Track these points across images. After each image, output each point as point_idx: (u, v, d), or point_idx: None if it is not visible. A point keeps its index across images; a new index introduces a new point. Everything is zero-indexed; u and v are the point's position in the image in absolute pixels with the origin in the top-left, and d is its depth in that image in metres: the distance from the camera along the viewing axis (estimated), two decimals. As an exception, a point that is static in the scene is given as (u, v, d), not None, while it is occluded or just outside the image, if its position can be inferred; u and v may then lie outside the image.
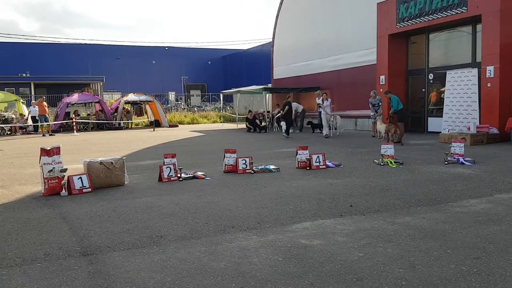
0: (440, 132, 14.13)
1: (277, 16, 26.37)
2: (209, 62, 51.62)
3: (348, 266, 3.49)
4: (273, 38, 26.94)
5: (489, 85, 13.06)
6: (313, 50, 22.83)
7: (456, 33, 15.50)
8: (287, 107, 16.53)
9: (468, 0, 13.49)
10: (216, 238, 4.32)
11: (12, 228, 4.81)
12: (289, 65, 25.27)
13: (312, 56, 22.95)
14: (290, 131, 19.07)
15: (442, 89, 15.51)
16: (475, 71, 13.71)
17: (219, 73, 51.42)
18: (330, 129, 16.21)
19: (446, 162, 8.76)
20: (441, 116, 14.92)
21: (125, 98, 26.08)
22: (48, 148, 6.61)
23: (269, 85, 26.73)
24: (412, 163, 8.94)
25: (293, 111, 21.30)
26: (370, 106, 15.64)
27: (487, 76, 13.09)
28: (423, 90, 16.75)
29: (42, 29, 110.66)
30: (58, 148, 6.74)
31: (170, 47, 50.58)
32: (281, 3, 25.94)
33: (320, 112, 18.88)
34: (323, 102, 15.97)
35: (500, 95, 12.86)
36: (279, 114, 17.99)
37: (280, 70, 26.33)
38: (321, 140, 14.80)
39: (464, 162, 8.68)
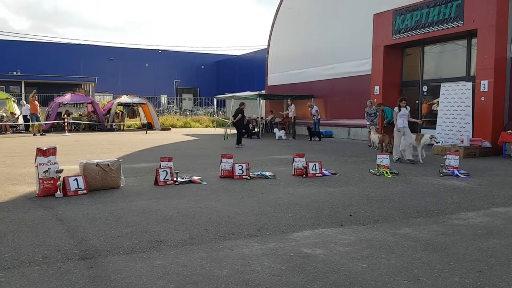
0: (433, 144, 14.21)
1: (273, 24, 26.47)
2: (202, 67, 51.50)
3: (352, 277, 3.47)
4: (268, 45, 27.01)
5: (483, 99, 13.19)
6: (308, 59, 22.92)
7: (451, 46, 15.66)
8: (239, 115, 15.42)
9: (464, 14, 13.65)
10: (217, 244, 4.28)
11: (8, 229, 4.72)
12: (283, 72, 25.34)
13: (307, 64, 23.04)
14: (284, 138, 19.10)
15: (435, 101, 15.64)
16: (469, 84, 13.84)
17: (212, 78, 51.31)
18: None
19: (441, 174, 8.80)
20: (433, 128, 15.02)
21: (118, 100, 25.89)
22: (45, 148, 6.51)
23: (263, 92, 26.77)
24: (407, 174, 8.98)
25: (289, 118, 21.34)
26: (366, 115, 15.70)
27: (481, 90, 13.21)
28: (417, 101, 16.86)
29: (33, 27, 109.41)
30: (55, 148, 6.65)
31: (164, 50, 50.38)
32: (277, 11, 26.05)
33: (317, 121, 18.81)
34: (399, 110, 11.23)
35: (494, 109, 12.99)
36: (229, 122, 16.71)
37: (275, 77, 26.39)
38: (315, 148, 14.80)
39: (459, 174, 8.73)
